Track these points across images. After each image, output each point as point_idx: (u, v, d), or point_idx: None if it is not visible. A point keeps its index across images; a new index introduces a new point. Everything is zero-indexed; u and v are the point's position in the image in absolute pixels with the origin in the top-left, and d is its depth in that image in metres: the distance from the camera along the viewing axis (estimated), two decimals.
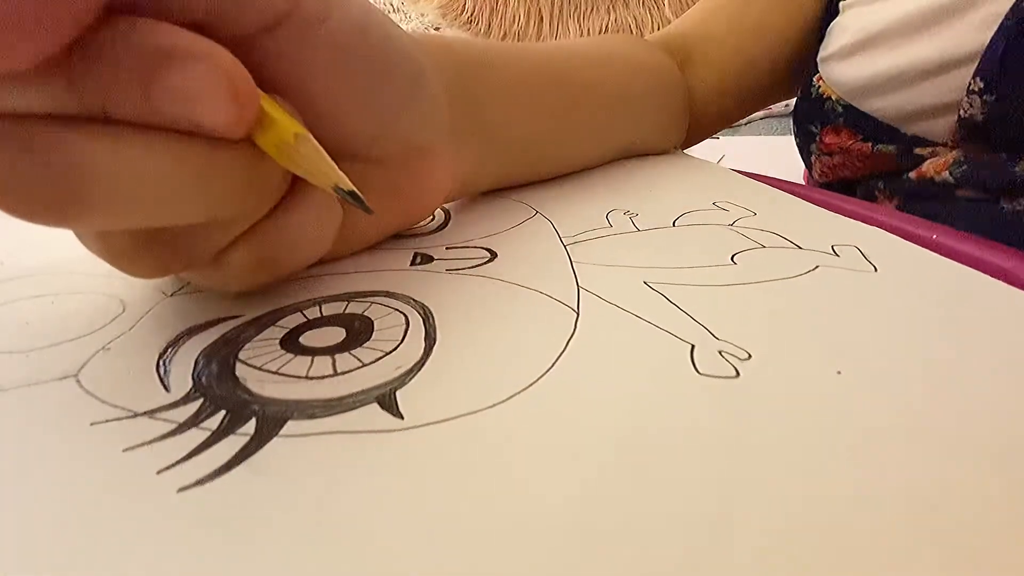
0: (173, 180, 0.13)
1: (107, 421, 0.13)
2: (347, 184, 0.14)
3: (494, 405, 0.12)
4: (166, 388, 0.14)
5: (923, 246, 0.20)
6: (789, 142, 0.41)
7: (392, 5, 1.38)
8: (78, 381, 0.14)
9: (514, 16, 1.34)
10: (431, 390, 0.13)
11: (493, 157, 0.24)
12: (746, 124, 1.26)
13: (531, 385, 0.13)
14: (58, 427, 0.13)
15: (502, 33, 1.34)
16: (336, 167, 0.14)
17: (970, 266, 0.18)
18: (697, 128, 0.39)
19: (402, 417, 0.12)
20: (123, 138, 0.12)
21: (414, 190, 0.20)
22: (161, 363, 0.15)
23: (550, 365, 0.14)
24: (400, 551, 0.09)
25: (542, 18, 1.34)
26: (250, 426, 0.12)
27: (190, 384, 0.14)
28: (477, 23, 1.35)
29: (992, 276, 0.18)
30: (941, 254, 0.19)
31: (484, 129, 0.23)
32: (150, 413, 0.13)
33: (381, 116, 0.18)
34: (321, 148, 0.13)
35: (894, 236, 0.21)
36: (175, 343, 0.15)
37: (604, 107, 0.29)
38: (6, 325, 0.17)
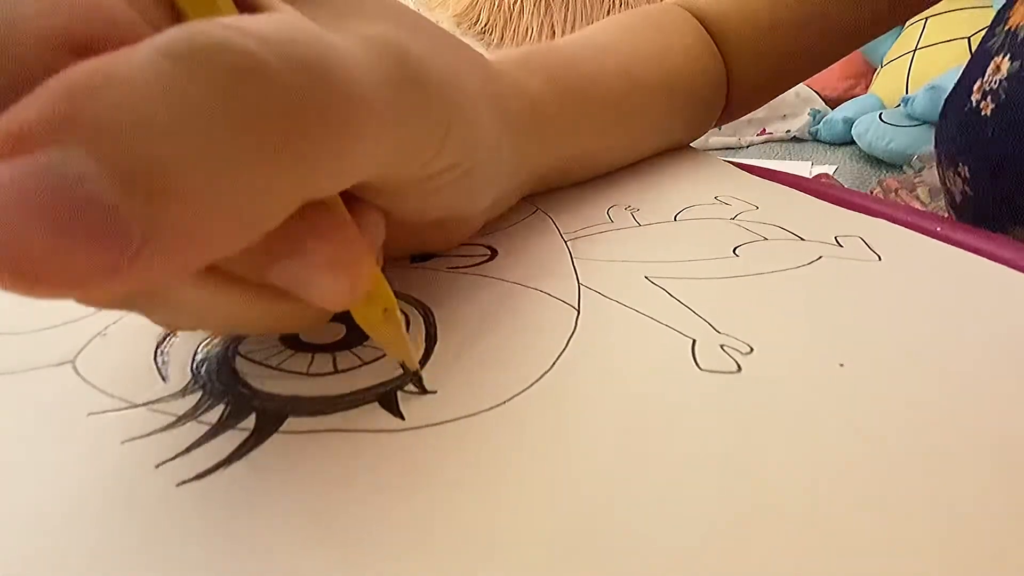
0: (252, 320, 0.13)
1: (105, 412, 0.13)
2: (413, 364, 0.13)
3: (495, 406, 0.12)
4: (164, 378, 0.14)
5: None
6: (789, 167, 0.40)
7: None
8: (75, 368, 0.14)
9: (527, 28, 1.35)
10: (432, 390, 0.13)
11: (534, 187, 0.24)
12: (746, 147, 1.25)
13: (532, 385, 0.13)
14: (56, 416, 0.13)
15: (515, 44, 1.35)
16: (409, 344, 0.13)
17: None
18: (738, 103, 0.36)
19: (403, 418, 0.12)
20: (217, 284, 0.12)
21: (438, 241, 0.19)
22: (159, 352, 0.15)
23: (551, 364, 0.14)
24: (400, 552, 0.09)
25: (554, 32, 1.35)
26: (250, 421, 0.12)
27: (189, 376, 0.14)
28: (491, 34, 1.35)
29: None
30: None
31: (532, 174, 0.22)
32: (148, 404, 0.13)
33: (444, 210, 0.16)
34: (403, 325, 0.13)
35: (898, 226, 0.21)
36: (172, 332, 0.15)
37: (648, 115, 0.28)
38: (2, 304, 0.17)
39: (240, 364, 0.14)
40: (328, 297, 0.11)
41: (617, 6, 1.35)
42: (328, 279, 0.11)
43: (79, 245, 0.08)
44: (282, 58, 0.09)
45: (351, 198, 0.14)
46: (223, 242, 0.09)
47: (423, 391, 0.13)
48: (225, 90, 0.08)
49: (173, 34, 0.08)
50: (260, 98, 0.08)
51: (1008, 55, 0.38)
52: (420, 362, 0.14)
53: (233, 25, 0.09)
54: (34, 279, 0.08)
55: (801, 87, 1.27)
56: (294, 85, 0.09)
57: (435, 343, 0.14)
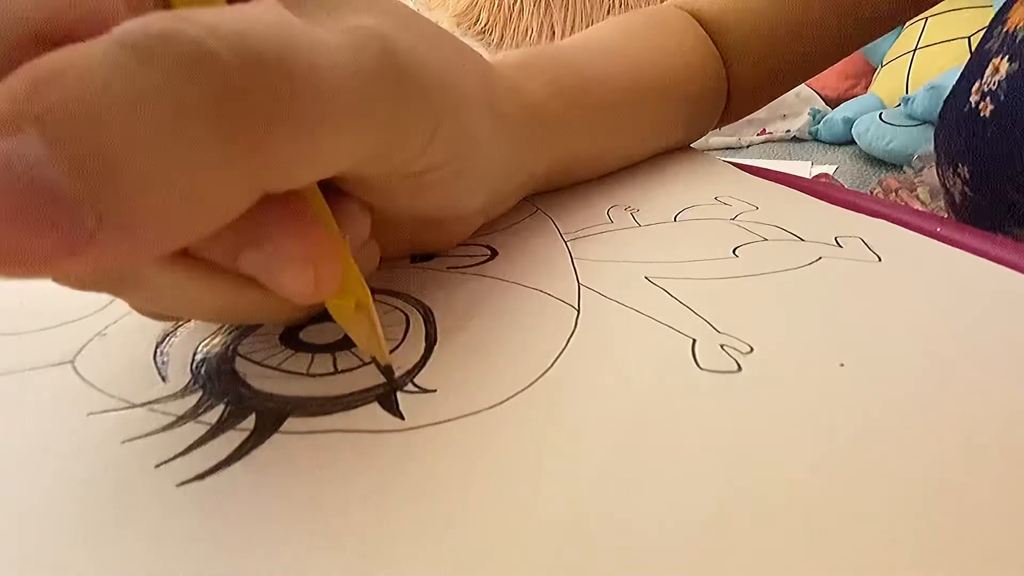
0: (227, 308, 0.13)
1: (105, 412, 0.13)
2: (385, 360, 0.13)
3: (495, 405, 0.12)
4: (163, 378, 0.14)
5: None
6: (789, 167, 0.39)
7: None
8: (74, 368, 0.14)
9: (527, 29, 1.35)
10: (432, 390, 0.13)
11: (535, 188, 0.24)
12: (746, 147, 1.25)
13: (531, 384, 0.13)
14: (55, 416, 0.13)
15: (514, 45, 1.36)
16: (381, 339, 0.13)
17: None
18: (738, 104, 0.36)
19: (403, 418, 0.12)
20: (188, 270, 0.12)
21: (437, 241, 0.19)
22: (158, 352, 0.15)
23: (550, 364, 0.14)
24: (400, 551, 0.09)
25: (554, 32, 1.35)
26: (249, 421, 0.12)
27: (188, 376, 0.14)
28: (491, 34, 1.36)
29: None
30: None
31: (532, 176, 0.23)
32: (148, 404, 0.13)
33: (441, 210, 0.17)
34: (376, 319, 0.13)
35: (898, 227, 0.21)
36: (172, 331, 0.15)
37: (648, 117, 0.28)
38: (2, 304, 0.17)
39: (240, 364, 0.14)
40: (293, 289, 0.11)
41: (617, 6, 1.35)
42: (293, 272, 0.11)
43: (33, 228, 0.08)
44: (232, 48, 0.09)
45: (336, 190, 0.14)
46: (180, 229, 0.09)
47: (392, 388, 0.13)
48: (173, 79, 0.08)
49: (131, 25, 0.08)
50: (208, 88, 0.09)
51: (1007, 56, 0.38)
52: (420, 363, 0.14)
53: (186, 15, 0.09)
54: None
55: (801, 87, 1.27)
56: (244, 75, 0.09)
57: (435, 343, 0.14)
